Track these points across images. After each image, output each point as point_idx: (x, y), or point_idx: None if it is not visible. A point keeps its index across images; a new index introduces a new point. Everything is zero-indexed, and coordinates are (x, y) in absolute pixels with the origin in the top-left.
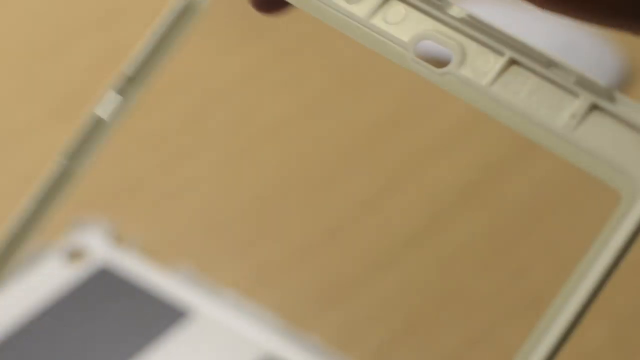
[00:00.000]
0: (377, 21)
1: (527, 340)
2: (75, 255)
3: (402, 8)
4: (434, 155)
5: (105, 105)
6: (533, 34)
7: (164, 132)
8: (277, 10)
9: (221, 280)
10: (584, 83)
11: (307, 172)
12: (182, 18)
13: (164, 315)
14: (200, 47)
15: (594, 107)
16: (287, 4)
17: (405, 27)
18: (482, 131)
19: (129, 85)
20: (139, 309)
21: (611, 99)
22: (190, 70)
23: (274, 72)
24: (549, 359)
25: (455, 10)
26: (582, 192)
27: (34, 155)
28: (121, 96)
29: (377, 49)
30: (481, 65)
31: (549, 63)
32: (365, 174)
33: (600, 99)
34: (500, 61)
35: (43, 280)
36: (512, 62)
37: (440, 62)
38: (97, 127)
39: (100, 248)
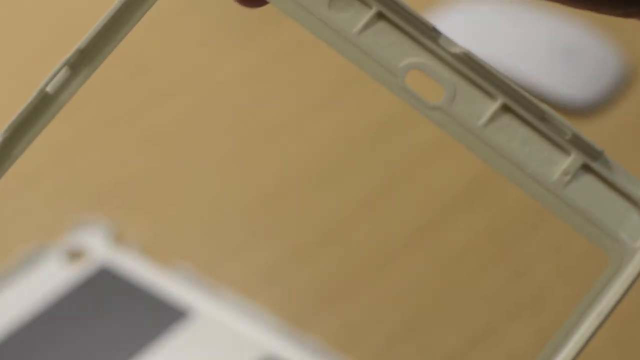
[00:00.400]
0: (367, 40)
1: None
2: (75, 255)
3: (394, 31)
4: (433, 156)
5: (54, 79)
6: (535, 34)
7: (164, 132)
8: (258, 3)
9: (221, 280)
10: (577, 142)
11: (307, 172)
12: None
13: (164, 315)
14: (200, 47)
15: (585, 167)
16: None
17: (395, 51)
18: None
19: (81, 59)
20: (139, 309)
21: (603, 161)
22: (190, 70)
23: (274, 72)
24: None
25: (450, 45)
26: None
27: (34, 155)
28: (71, 70)
29: (364, 68)
30: (472, 106)
31: (542, 116)
32: (365, 174)
33: (592, 160)
34: (494, 105)
35: (43, 280)
36: (505, 108)
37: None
38: (43, 101)
39: (100, 248)
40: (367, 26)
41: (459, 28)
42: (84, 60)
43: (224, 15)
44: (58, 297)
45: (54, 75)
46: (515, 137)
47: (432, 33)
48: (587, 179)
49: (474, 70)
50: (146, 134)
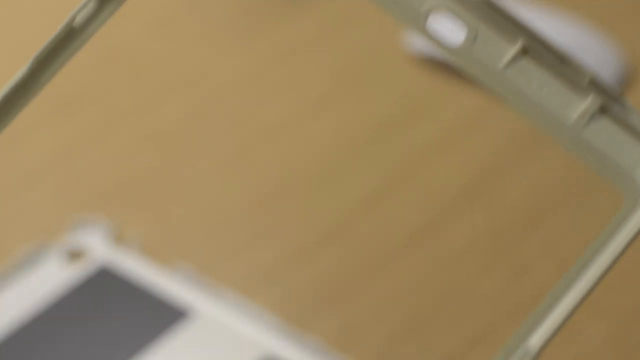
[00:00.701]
0: None
1: (519, 329)
2: (75, 255)
3: None
4: (433, 155)
5: (81, 11)
6: None
7: (164, 132)
8: None
9: (221, 280)
10: (596, 84)
11: (307, 172)
12: None
13: (164, 315)
14: (200, 47)
15: (603, 109)
16: None
17: None
18: (482, 131)
19: None
20: (139, 309)
21: (620, 104)
22: (190, 71)
23: (274, 72)
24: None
25: None
26: (583, 192)
27: (34, 155)
28: (99, 3)
29: (388, 8)
30: (493, 48)
31: (563, 58)
32: (365, 174)
33: (609, 102)
34: (514, 48)
35: (43, 280)
36: (525, 50)
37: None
38: (70, 33)
39: (100, 248)
40: None
41: (457, 28)
42: None
43: (224, 15)
44: (58, 297)
45: (82, 8)
46: (534, 78)
47: None
48: (604, 121)
49: (495, 12)
50: (146, 134)
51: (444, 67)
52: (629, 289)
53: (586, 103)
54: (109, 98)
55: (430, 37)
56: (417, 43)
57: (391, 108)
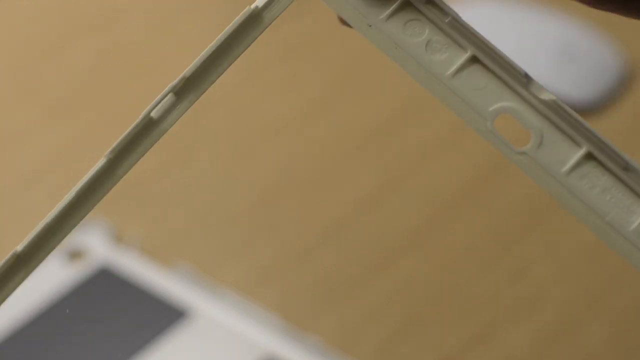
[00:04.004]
0: (459, 82)
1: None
2: (75, 255)
3: (486, 75)
4: (433, 155)
5: (159, 104)
6: (534, 34)
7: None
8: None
9: (221, 280)
10: None
11: (307, 172)
12: (246, 27)
13: (164, 315)
14: (200, 48)
15: None
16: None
17: (486, 95)
18: None
19: (185, 86)
20: (139, 309)
21: None
22: None
23: (274, 72)
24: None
25: (540, 92)
26: None
27: (34, 155)
28: (176, 97)
29: (454, 109)
30: (558, 153)
31: (627, 166)
32: (365, 174)
33: None
34: (578, 153)
35: (43, 280)
36: (590, 156)
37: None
38: (147, 126)
39: (100, 248)
40: (461, 69)
41: None
42: (189, 87)
43: (224, 15)
44: (58, 297)
45: (160, 101)
46: (597, 184)
47: (523, 79)
48: None
49: (561, 117)
50: None
51: None
52: (629, 289)
53: None
54: (108, 98)
55: (496, 139)
56: None
57: (391, 108)
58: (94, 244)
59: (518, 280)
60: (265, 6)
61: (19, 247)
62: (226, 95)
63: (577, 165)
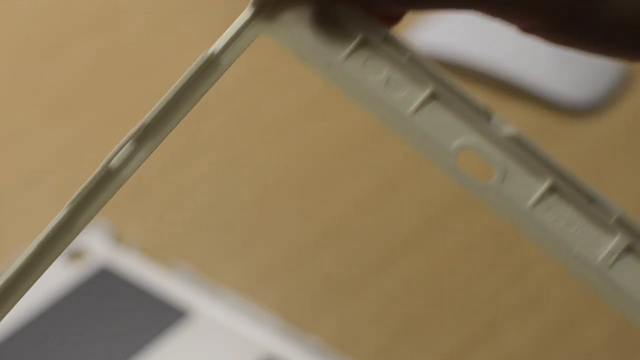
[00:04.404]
0: (421, 120)
1: None
2: (75, 255)
3: (447, 111)
4: None
5: (119, 153)
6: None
7: None
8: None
9: (221, 280)
10: (623, 223)
11: (307, 172)
12: (204, 72)
13: (164, 315)
14: (200, 48)
15: (630, 248)
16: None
17: (448, 131)
18: None
19: (145, 134)
20: (139, 309)
21: None
22: None
23: (274, 72)
24: None
25: (502, 126)
26: None
27: (34, 155)
28: (136, 144)
29: (417, 146)
30: (522, 187)
31: (591, 197)
32: (365, 174)
33: (637, 241)
34: (542, 186)
35: (43, 280)
36: (554, 189)
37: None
38: (107, 175)
39: (100, 248)
40: (421, 106)
41: (459, 27)
42: (148, 134)
43: (224, 15)
44: (58, 297)
45: (119, 150)
46: (562, 217)
47: (485, 114)
48: (632, 260)
49: (524, 151)
50: None
51: (447, 67)
52: None
53: (614, 242)
54: (108, 98)
55: (459, 175)
56: (417, 43)
57: None
58: (94, 244)
59: (518, 280)
60: (222, 51)
61: None
62: (226, 95)
63: (542, 198)
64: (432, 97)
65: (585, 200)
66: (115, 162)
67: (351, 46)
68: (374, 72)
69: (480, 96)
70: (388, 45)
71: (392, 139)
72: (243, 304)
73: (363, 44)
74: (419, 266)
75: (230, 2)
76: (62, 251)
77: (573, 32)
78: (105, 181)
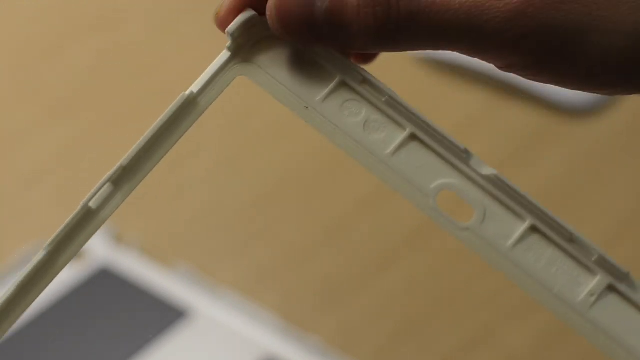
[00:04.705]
0: (399, 161)
1: None
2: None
3: (425, 152)
4: None
5: (97, 194)
6: None
7: None
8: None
9: (221, 280)
10: (603, 263)
11: (307, 172)
12: (182, 112)
13: (164, 315)
14: (200, 47)
15: (611, 288)
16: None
17: (427, 172)
18: (483, 131)
19: (122, 175)
20: (139, 309)
21: (628, 282)
22: (190, 70)
23: None
24: None
25: (481, 167)
26: (583, 191)
27: (34, 155)
28: (114, 186)
29: (396, 187)
30: (502, 227)
31: (571, 238)
32: (365, 174)
33: (617, 281)
34: (522, 227)
35: None
36: (534, 229)
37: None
38: (86, 216)
39: (100, 248)
40: (400, 147)
41: None
42: (126, 176)
43: None
44: (58, 297)
45: (97, 191)
46: (543, 257)
47: (463, 155)
48: (613, 300)
49: (503, 191)
50: None
51: (446, 67)
52: None
53: (595, 281)
54: (108, 98)
55: (439, 216)
56: None
57: None
58: (94, 244)
59: None
60: (200, 92)
61: None
62: (226, 95)
63: (522, 238)
64: (411, 138)
65: (565, 241)
66: (93, 203)
67: (329, 88)
68: (352, 114)
69: (480, 96)
70: (366, 87)
71: None
72: (243, 304)
73: (341, 86)
74: (419, 266)
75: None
76: (42, 291)
77: (550, 70)
78: (85, 221)
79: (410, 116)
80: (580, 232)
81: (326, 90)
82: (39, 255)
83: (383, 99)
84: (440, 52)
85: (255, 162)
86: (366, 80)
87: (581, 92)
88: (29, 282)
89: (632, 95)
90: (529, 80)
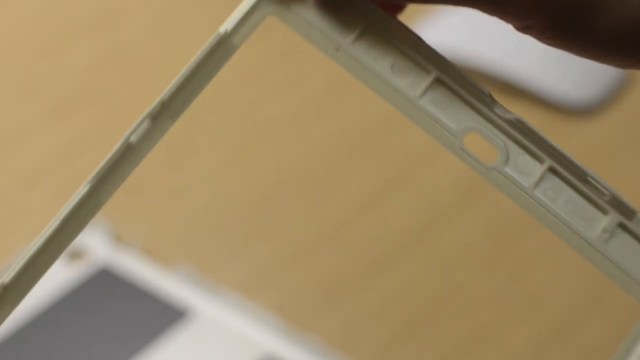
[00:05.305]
0: (427, 103)
1: None
2: (75, 255)
3: (451, 96)
4: (433, 156)
5: (137, 129)
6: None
7: None
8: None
9: (221, 280)
10: (615, 202)
11: (307, 172)
12: (217, 50)
13: (164, 315)
14: (200, 47)
15: (622, 226)
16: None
17: (453, 115)
18: None
19: (162, 111)
20: (139, 309)
21: (637, 220)
22: None
23: (274, 72)
24: None
25: (504, 111)
26: None
27: (34, 155)
28: (152, 122)
29: (425, 128)
30: (523, 167)
31: (585, 179)
32: (365, 174)
33: (627, 219)
34: (541, 168)
35: (43, 280)
36: (551, 169)
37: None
38: (127, 151)
39: (100, 248)
40: (426, 90)
41: (458, 27)
42: (165, 112)
43: (224, 15)
44: (58, 297)
45: (137, 126)
46: (560, 196)
47: (487, 99)
48: (624, 237)
49: (525, 135)
50: None
51: None
52: None
53: (607, 219)
54: (108, 98)
55: (467, 156)
56: None
57: (391, 108)
58: (94, 244)
59: (518, 280)
60: (234, 30)
61: (6, 279)
62: (226, 95)
63: (541, 179)
64: (437, 82)
65: (580, 181)
66: (134, 137)
67: (358, 31)
68: (378, 59)
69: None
70: (392, 31)
71: (393, 140)
72: (243, 304)
73: (368, 30)
74: (419, 266)
75: (231, 2)
76: (84, 226)
77: (569, 34)
78: (126, 156)
79: (436, 61)
80: None
81: (355, 33)
82: (83, 189)
83: (409, 44)
84: (440, 52)
85: (256, 162)
86: (392, 25)
87: (581, 91)
88: (72, 216)
89: (632, 95)
90: (529, 80)
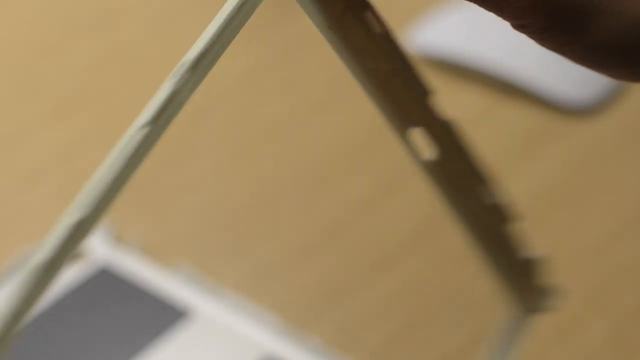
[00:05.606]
0: None
1: None
2: (75, 255)
3: None
4: None
5: (178, 77)
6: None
7: (163, 133)
8: None
9: (221, 280)
10: None
11: (307, 172)
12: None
13: (164, 315)
14: None
15: None
16: None
17: None
18: (483, 131)
19: (198, 63)
20: (139, 309)
21: None
22: None
23: (274, 72)
24: None
25: None
26: (583, 191)
27: (34, 155)
28: (193, 70)
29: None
30: None
31: None
32: (365, 174)
33: None
34: None
35: None
36: None
37: None
38: (173, 96)
39: (100, 248)
40: None
41: (458, 27)
42: (201, 61)
43: None
44: (58, 297)
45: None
46: None
47: None
48: None
49: None
50: None
51: (446, 67)
52: (629, 289)
53: None
54: (108, 98)
55: None
56: (416, 43)
57: None
58: (94, 244)
59: None
60: None
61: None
62: (226, 95)
63: None
64: None
65: None
66: (176, 85)
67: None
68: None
69: (480, 96)
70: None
71: (393, 140)
72: (243, 304)
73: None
74: (419, 266)
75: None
76: (140, 163)
77: (562, 37)
78: (171, 102)
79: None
80: (580, 231)
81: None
82: (141, 132)
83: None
84: (440, 51)
85: (256, 162)
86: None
87: (581, 91)
88: (135, 154)
89: (632, 95)
90: (529, 80)
